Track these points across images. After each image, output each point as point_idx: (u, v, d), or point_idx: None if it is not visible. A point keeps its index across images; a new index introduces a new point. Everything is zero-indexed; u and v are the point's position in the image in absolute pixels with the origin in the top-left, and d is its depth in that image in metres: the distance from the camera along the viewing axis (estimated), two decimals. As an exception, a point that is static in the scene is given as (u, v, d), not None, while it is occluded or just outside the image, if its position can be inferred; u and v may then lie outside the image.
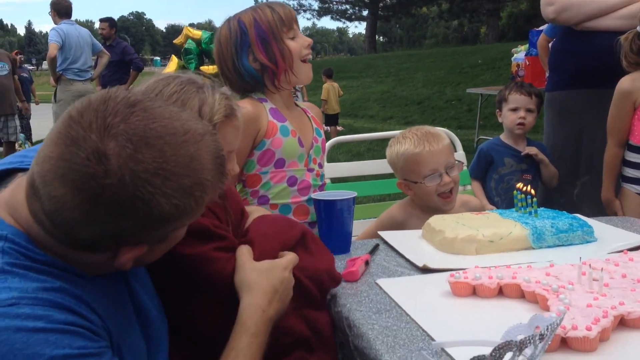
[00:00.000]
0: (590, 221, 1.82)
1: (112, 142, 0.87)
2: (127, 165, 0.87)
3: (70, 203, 0.88)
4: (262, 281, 1.23)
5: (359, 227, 2.33)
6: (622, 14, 2.78)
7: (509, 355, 0.94)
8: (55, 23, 6.82)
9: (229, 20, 1.91)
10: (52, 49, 6.50)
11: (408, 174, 2.03)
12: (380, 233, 1.87)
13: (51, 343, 0.88)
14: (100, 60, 7.57)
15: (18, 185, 1.01)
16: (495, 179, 3.13)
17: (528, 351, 0.96)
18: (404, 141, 2.01)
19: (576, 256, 1.47)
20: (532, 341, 0.94)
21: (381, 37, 62.67)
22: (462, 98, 13.67)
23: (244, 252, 1.29)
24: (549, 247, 1.66)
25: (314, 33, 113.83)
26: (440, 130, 2.06)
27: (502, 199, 3.07)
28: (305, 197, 1.91)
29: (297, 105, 2.04)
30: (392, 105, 15.46)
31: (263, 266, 1.27)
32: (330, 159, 2.53)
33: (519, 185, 1.82)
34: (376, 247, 1.74)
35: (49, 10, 6.94)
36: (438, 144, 1.98)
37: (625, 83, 2.45)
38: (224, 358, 1.16)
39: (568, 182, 3.05)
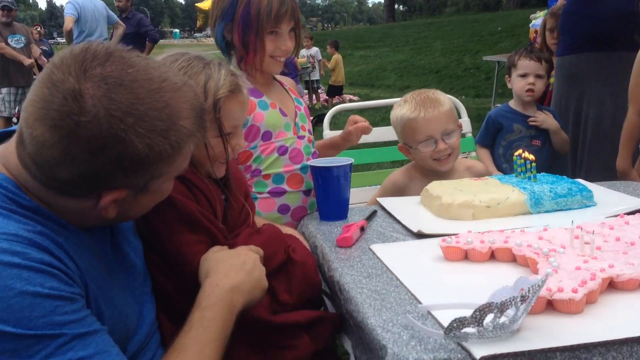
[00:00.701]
0: (591, 186, 1.80)
1: (88, 83, 0.92)
2: (101, 103, 0.91)
3: (49, 141, 0.92)
4: (219, 263, 1.24)
5: (366, 194, 2.33)
6: None
7: (490, 316, 0.93)
8: (72, -5, 6.82)
9: None
10: (68, 22, 6.53)
11: (406, 138, 2.02)
12: (379, 199, 1.86)
13: (23, 279, 0.89)
14: (115, 32, 7.57)
15: (12, 139, 1.04)
16: (504, 145, 3.09)
17: (510, 312, 0.96)
18: (404, 105, 1.99)
19: (575, 219, 1.46)
20: (513, 303, 0.93)
21: (401, 6, 61.73)
22: (481, 66, 13.48)
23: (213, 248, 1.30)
24: (547, 212, 1.64)
25: (333, 3, 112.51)
26: (442, 95, 2.02)
27: (510, 166, 3.01)
28: (298, 166, 1.89)
29: (274, 79, 2.01)
30: (410, 75, 15.32)
31: (223, 252, 1.28)
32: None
33: (519, 151, 1.79)
34: (373, 213, 1.74)
35: None
36: (434, 109, 1.95)
37: None
38: (178, 335, 1.12)
39: (575, 146, 3.00)
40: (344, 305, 1.24)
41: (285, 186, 1.86)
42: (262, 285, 1.24)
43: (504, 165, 3.03)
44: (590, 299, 1.06)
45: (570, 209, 1.65)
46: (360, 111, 3.13)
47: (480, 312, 0.92)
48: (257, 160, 1.83)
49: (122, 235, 1.19)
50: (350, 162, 1.72)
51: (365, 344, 1.11)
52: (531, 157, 1.75)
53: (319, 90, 11.86)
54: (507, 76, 3.11)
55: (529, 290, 0.94)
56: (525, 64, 2.97)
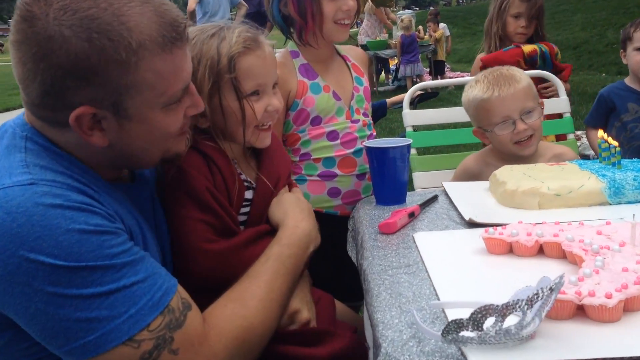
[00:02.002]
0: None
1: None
2: (47, 7, 0.93)
3: (15, 58, 0.97)
4: (295, 206, 1.37)
5: (440, 178, 2.20)
6: None
7: (490, 320, 0.82)
8: (195, -22, 7.11)
9: None
10: (191, 3, 6.84)
11: (480, 121, 1.85)
12: (444, 183, 1.74)
13: (68, 218, 0.92)
14: (238, 12, 7.79)
15: None
16: (617, 127, 2.79)
17: (513, 319, 0.83)
18: (475, 85, 1.83)
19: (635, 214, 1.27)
20: (517, 306, 0.81)
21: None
22: (624, 41, 12.34)
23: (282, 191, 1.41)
24: (630, 202, 1.44)
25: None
26: (518, 72, 1.82)
27: (624, 150, 2.72)
28: (351, 150, 1.80)
29: (338, 53, 1.89)
30: (544, 52, 14.39)
31: (292, 195, 1.41)
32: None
33: (600, 132, 1.59)
34: (434, 198, 1.62)
35: None
36: (510, 87, 1.76)
37: None
38: (255, 264, 1.21)
39: None
40: (365, 297, 1.16)
41: (336, 170, 1.79)
42: (318, 237, 1.38)
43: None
44: (630, 307, 0.90)
45: (657, 200, 1.44)
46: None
47: (479, 315, 0.81)
48: (306, 145, 1.78)
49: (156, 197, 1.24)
50: (408, 143, 1.62)
51: (374, 339, 1.03)
52: (615, 142, 1.54)
53: (445, 69, 11.34)
54: (621, 51, 2.80)
55: (536, 294, 0.81)
56: None
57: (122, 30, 0.94)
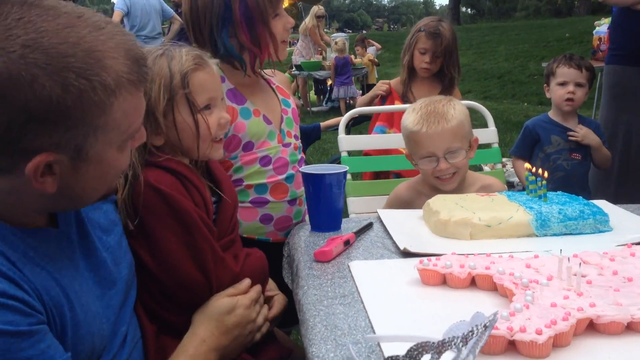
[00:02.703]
0: (613, 208, 1.64)
1: None
2: (5, 39, 0.79)
3: None
4: (216, 319, 1.26)
5: (374, 203, 2.22)
6: None
7: (426, 357, 0.82)
8: (126, -11, 6.96)
9: None
10: (116, 16, 6.67)
11: (409, 149, 1.89)
12: (379, 210, 1.75)
13: None
14: (172, 27, 7.69)
15: None
16: (541, 157, 2.91)
17: (448, 356, 0.84)
18: (411, 113, 1.85)
19: (578, 246, 1.32)
20: (453, 343, 0.82)
21: (468, 10, 60.51)
22: (545, 73, 12.99)
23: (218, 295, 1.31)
24: (555, 235, 1.49)
25: (399, 4, 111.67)
26: (453, 108, 1.82)
27: (547, 180, 2.84)
28: (283, 176, 1.79)
29: (262, 77, 1.88)
30: (471, 79, 14.91)
31: (221, 305, 1.28)
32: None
33: (527, 165, 1.65)
34: (368, 225, 1.63)
35: None
36: (438, 125, 1.77)
37: None
38: None
39: (618, 164, 2.80)
40: (300, 328, 1.15)
41: (268, 196, 1.77)
42: (244, 347, 1.30)
43: (540, 179, 2.85)
44: (559, 342, 0.93)
45: (581, 233, 1.50)
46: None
47: (416, 351, 0.82)
48: (238, 171, 1.74)
49: (97, 237, 1.11)
50: (344, 170, 1.62)
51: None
52: (545, 174, 1.60)
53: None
54: (545, 85, 2.93)
55: (471, 330, 0.82)
56: (565, 72, 2.78)
57: (99, 69, 0.85)
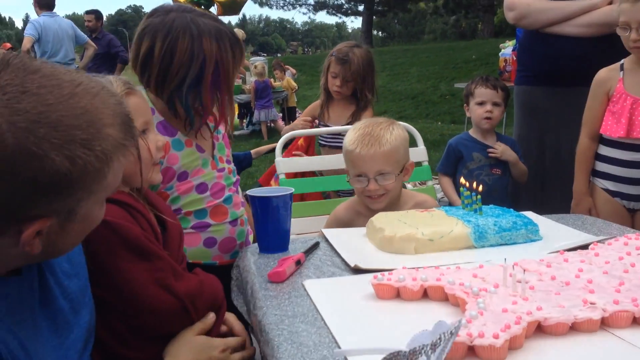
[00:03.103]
0: (539, 219, 1.76)
1: None
2: (2, 115, 0.78)
3: None
4: (192, 352, 1.27)
5: (314, 224, 2.27)
6: (581, 22, 2.77)
7: (399, 366, 0.87)
8: (37, 14, 6.73)
9: (190, 31, 1.63)
10: (26, 42, 6.42)
11: (347, 166, 1.96)
12: (323, 230, 1.80)
13: None
14: (86, 52, 7.50)
15: None
16: (465, 174, 3.05)
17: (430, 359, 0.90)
18: (351, 132, 1.93)
19: (518, 255, 1.42)
20: (423, 351, 0.87)
21: (380, 33, 62.38)
22: (456, 93, 13.56)
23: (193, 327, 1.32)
24: (492, 246, 1.59)
25: (313, 28, 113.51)
26: (390, 132, 1.88)
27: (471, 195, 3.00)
28: (221, 199, 1.81)
29: None
30: (386, 100, 15.35)
31: (197, 342, 1.29)
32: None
33: (462, 180, 1.75)
34: (315, 245, 1.67)
35: (32, 1, 6.84)
36: (371, 148, 1.85)
37: (601, 73, 2.38)
38: None
39: (534, 177, 2.99)
40: (262, 348, 1.17)
41: (209, 220, 1.78)
42: None
43: (465, 194, 3.00)
44: (514, 345, 1.00)
45: (515, 243, 1.61)
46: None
47: (390, 362, 0.86)
48: (176, 201, 1.74)
49: (57, 284, 1.07)
50: (290, 192, 1.66)
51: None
52: (479, 188, 1.71)
53: (297, 114, 11.69)
54: (465, 105, 3.10)
55: (439, 338, 0.87)
56: (482, 92, 2.96)
57: (100, 139, 0.86)
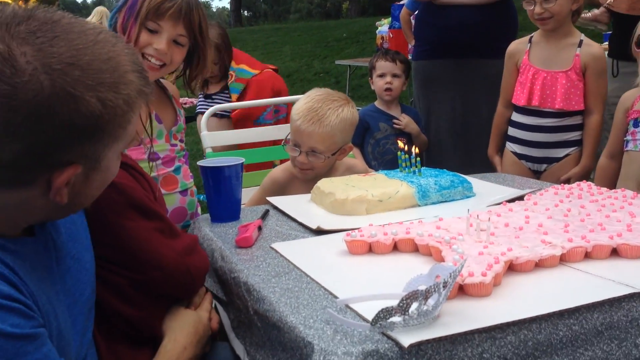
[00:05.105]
0: (468, 178, 1.91)
1: (14, 41, 0.79)
2: (36, 59, 0.79)
3: None
4: (188, 327, 1.28)
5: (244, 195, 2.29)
6: None
7: (415, 304, 0.95)
8: None
9: None
10: None
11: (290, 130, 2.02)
12: (270, 199, 1.84)
13: None
14: None
15: None
16: (372, 143, 3.21)
17: (431, 300, 0.98)
18: (303, 100, 1.98)
19: (459, 210, 1.55)
20: (436, 289, 0.95)
21: (246, 12, 61.83)
22: (330, 71, 13.90)
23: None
24: (434, 203, 1.72)
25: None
26: (336, 114, 1.94)
27: (378, 163, 3.16)
28: (171, 168, 1.87)
29: (157, 82, 1.93)
30: (262, 79, 15.37)
31: (190, 316, 1.31)
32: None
33: (401, 144, 1.86)
34: (266, 212, 1.71)
35: None
36: (311, 126, 1.91)
37: (511, 46, 2.61)
38: None
39: (446, 143, 3.20)
40: (252, 306, 1.20)
41: (160, 188, 1.78)
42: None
43: (373, 163, 3.15)
44: (496, 282, 1.12)
45: (453, 199, 1.75)
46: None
47: (407, 301, 0.93)
48: None
49: (63, 243, 1.05)
50: (241, 162, 1.68)
51: (283, 344, 1.08)
52: (416, 150, 1.83)
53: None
54: (370, 78, 3.24)
55: (449, 276, 0.96)
56: (382, 65, 3.14)
57: (124, 83, 0.88)
